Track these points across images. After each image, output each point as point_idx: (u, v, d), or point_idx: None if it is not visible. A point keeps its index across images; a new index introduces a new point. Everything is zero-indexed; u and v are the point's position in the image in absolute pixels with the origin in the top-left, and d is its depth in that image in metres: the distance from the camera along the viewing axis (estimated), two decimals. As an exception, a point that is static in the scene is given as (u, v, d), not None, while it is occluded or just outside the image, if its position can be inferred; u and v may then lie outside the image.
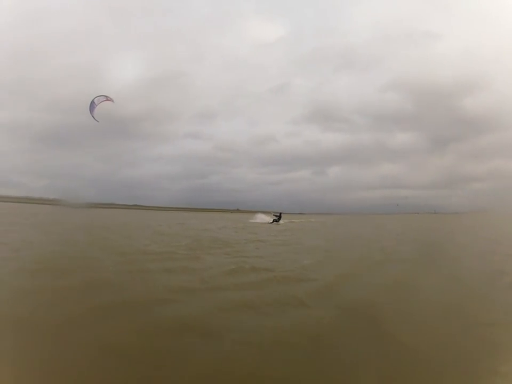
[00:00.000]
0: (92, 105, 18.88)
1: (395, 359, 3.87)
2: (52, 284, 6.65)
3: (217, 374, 3.49)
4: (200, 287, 6.66)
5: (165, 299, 5.82)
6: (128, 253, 10.66)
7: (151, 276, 7.58)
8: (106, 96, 19.31)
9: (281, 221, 34.57)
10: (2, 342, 3.99)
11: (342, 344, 4.24)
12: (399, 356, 3.94)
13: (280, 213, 34.80)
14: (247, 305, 5.53)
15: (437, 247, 15.53)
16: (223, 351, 3.97)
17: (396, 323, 4.95)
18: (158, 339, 4.24)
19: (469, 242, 18.51)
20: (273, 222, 33.32)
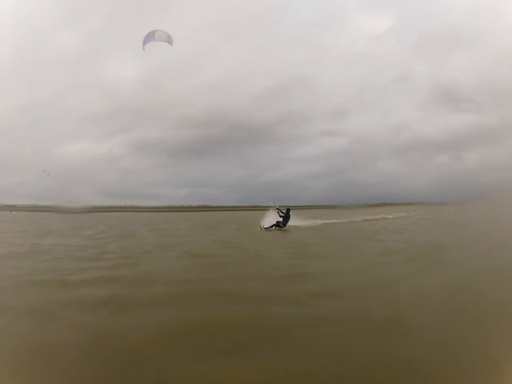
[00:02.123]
0: (151, 36, 16.30)
1: None
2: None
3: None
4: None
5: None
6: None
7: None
8: (169, 36, 16.55)
9: (297, 223, 19.94)
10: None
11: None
12: None
13: (288, 209, 19.37)
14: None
15: None
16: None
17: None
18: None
19: None
20: (273, 226, 18.27)
